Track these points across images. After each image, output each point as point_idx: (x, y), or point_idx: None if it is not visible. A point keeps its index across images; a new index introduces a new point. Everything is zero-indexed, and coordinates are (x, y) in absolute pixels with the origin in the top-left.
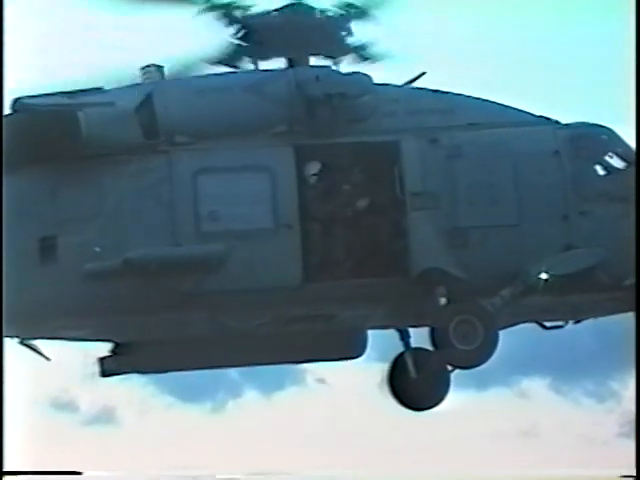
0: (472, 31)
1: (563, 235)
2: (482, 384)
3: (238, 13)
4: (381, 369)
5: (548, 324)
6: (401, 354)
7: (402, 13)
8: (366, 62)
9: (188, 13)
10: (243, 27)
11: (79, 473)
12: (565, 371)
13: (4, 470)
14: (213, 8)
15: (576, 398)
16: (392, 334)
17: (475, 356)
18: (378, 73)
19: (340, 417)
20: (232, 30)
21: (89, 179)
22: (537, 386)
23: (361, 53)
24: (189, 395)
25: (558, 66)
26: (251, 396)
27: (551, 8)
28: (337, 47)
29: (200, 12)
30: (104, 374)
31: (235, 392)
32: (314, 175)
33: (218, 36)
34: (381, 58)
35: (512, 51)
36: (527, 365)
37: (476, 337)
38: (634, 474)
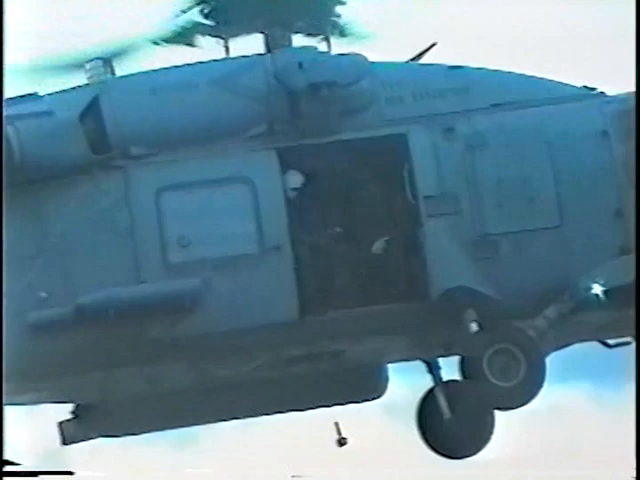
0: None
1: (617, 235)
2: None
3: None
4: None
5: (611, 342)
6: (431, 390)
7: None
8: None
9: None
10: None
11: (71, 473)
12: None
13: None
14: None
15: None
16: None
17: (517, 394)
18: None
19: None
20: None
21: (27, 209)
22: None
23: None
24: None
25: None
26: (226, 423)
27: None
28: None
29: None
30: (65, 442)
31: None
32: (304, 185)
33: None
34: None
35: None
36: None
37: (517, 370)
38: (634, 475)
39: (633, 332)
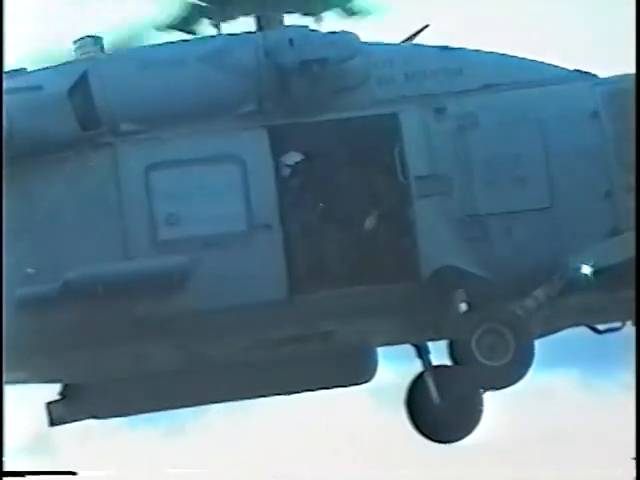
0: None
1: (607, 216)
2: None
3: None
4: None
5: (601, 327)
6: (420, 374)
7: None
8: (353, 17)
9: None
10: None
11: (74, 473)
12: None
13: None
14: None
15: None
16: None
17: (506, 374)
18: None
19: (332, 436)
20: None
21: (15, 184)
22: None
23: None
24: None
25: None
26: (215, 412)
27: None
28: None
29: None
30: (53, 423)
31: (195, 409)
32: (295, 163)
33: None
34: (371, 12)
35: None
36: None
37: (506, 350)
38: (634, 474)
39: (629, 317)
